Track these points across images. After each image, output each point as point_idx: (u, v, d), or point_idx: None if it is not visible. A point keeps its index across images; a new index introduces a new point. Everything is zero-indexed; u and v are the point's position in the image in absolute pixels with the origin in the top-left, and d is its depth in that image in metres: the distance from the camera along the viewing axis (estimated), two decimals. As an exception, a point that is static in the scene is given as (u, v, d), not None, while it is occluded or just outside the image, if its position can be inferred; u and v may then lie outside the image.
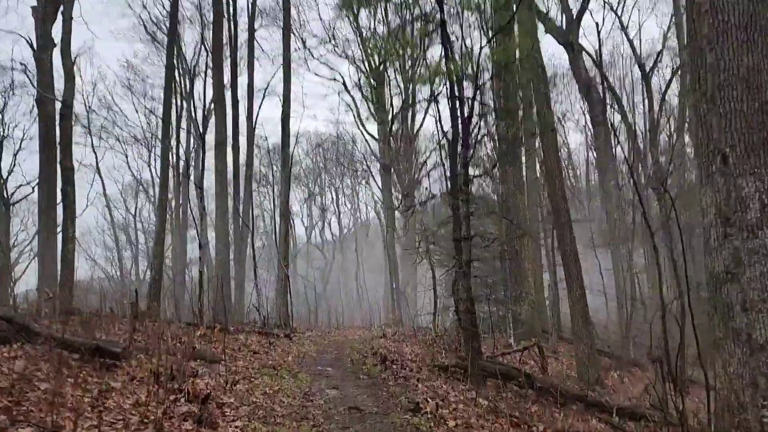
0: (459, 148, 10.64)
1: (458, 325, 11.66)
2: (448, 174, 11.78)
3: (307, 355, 11.95)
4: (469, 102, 10.46)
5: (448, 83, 10.42)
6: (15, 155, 33.62)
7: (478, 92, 10.19)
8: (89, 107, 34.66)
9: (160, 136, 36.39)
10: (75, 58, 19.45)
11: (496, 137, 15.59)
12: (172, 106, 33.33)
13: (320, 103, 53.99)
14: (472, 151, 10.84)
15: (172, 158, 34.47)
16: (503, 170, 15.46)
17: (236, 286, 23.31)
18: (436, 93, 10.98)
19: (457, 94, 10.22)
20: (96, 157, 34.37)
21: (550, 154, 12.90)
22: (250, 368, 9.16)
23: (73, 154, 19.58)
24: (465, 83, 10.77)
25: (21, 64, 21.07)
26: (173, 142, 34.74)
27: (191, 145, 32.82)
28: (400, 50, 24.40)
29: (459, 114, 10.33)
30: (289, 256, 19.03)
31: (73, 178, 19.42)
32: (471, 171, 11.72)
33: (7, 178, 33.93)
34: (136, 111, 37.27)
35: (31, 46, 20.63)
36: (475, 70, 9.85)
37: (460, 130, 10.18)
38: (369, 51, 26.69)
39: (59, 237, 26.85)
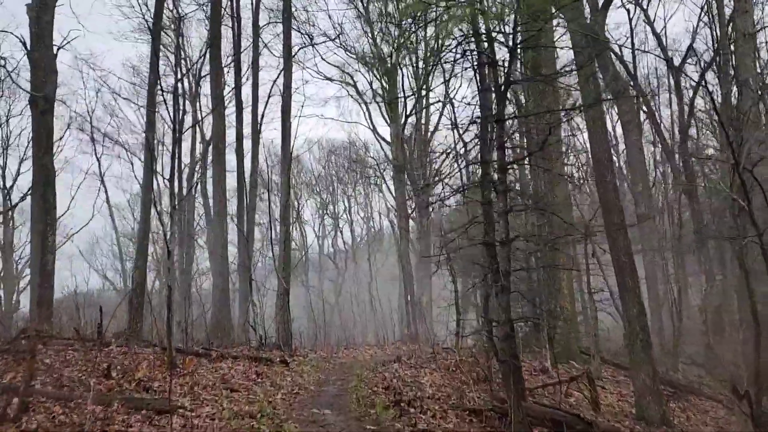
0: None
1: (490, 349, 9.05)
2: (475, 161, 9.24)
3: (303, 390, 9.37)
4: (503, 67, 7.91)
5: (475, 42, 7.88)
6: (21, 161, 31.76)
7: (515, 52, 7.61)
8: (91, 111, 32.58)
9: (166, 143, 34.29)
10: (57, 50, 17.16)
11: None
12: (179, 110, 31.42)
13: (330, 110, 51.71)
14: (504, 132, 8.26)
15: (178, 164, 32.43)
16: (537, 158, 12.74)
17: (242, 301, 20.87)
18: (456, 55, 8.40)
19: (487, 54, 7.66)
20: (99, 165, 32.26)
21: (599, 137, 10.27)
22: (218, 418, 6.60)
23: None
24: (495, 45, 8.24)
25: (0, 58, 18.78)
26: (164, 150, 32.94)
27: (197, 150, 30.66)
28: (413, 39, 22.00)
29: (490, 81, 7.78)
30: (292, 266, 16.50)
31: (54, 180, 17.16)
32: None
33: (12, 186, 32.10)
34: (142, 117, 35.13)
35: (24, 44, 18.53)
36: (515, 21, 7.30)
37: (492, 102, 7.63)
38: (379, 41, 24.27)
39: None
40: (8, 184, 31.06)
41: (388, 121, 29.43)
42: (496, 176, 7.93)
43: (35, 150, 17.29)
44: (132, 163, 34.68)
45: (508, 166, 7.73)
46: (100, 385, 6.92)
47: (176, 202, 9.22)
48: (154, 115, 10.36)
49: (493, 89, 7.69)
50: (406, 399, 8.58)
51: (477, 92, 8.71)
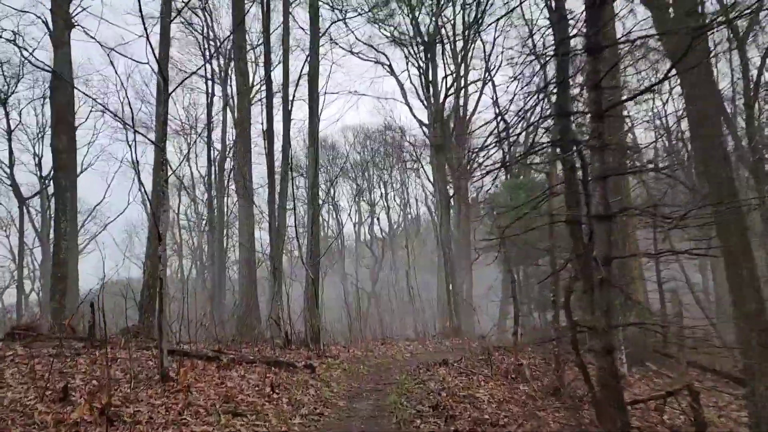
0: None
1: (578, 364, 6.76)
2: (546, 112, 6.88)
3: (329, 407, 7.28)
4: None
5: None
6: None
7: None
8: (122, 98, 31.14)
9: (199, 129, 32.77)
10: (72, 18, 15.39)
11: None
12: (206, 95, 29.71)
13: (364, 101, 49.30)
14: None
15: (210, 150, 30.82)
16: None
17: (274, 293, 19.00)
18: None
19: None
20: (132, 151, 30.92)
21: (704, 86, 7.78)
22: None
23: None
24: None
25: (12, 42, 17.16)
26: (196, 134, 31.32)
27: (228, 136, 28.98)
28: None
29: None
30: (322, 253, 14.39)
31: (69, 163, 15.53)
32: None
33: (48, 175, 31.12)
34: (174, 103, 33.59)
35: (46, 24, 16.96)
36: None
37: (591, 19, 5.29)
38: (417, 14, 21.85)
39: (78, 236, 23.20)
40: (44, 173, 29.98)
41: (425, 103, 27.08)
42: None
43: (53, 135, 15.76)
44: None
45: (607, 111, 5.42)
46: (48, 415, 4.95)
47: (167, 175, 7.19)
48: (166, 87, 8.37)
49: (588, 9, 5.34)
50: (460, 423, 6.41)
51: (549, 17, 6.35)
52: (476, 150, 23.59)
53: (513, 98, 8.11)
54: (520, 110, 6.73)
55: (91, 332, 8.69)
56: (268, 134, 20.43)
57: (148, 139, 7.99)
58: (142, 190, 32.55)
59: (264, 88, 20.99)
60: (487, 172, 11.84)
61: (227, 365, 8.43)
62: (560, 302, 11.28)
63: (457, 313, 19.48)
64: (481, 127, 22.29)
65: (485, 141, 25.80)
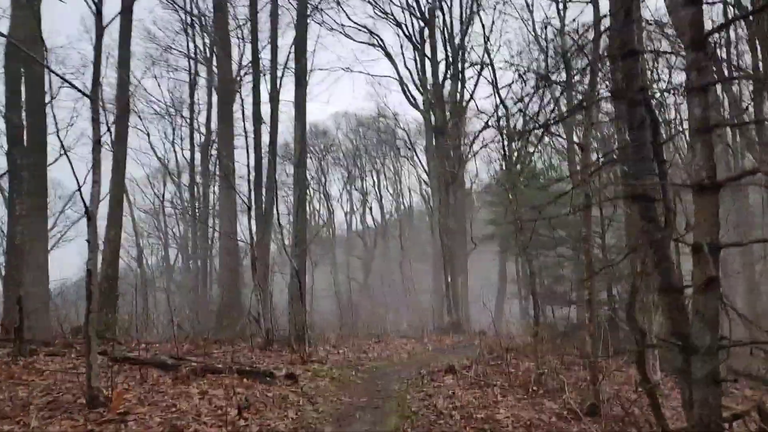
0: None
1: (644, 386, 5.09)
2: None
3: (310, 435, 5.55)
4: None
5: None
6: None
7: None
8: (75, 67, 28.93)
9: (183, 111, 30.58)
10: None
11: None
12: (189, 75, 27.66)
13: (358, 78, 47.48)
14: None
15: (193, 134, 28.84)
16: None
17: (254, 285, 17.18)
18: None
19: None
20: (111, 134, 28.63)
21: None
22: None
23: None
24: None
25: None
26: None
27: (213, 119, 27.01)
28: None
29: None
30: (308, 240, 12.61)
31: (34, 140, 13.60)
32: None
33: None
34: (158, 85, 31.41)
35: None
36: None
37: None
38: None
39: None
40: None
41: (420, 87, 25.27)
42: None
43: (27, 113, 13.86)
44: (148, 134, 31.07)
45: (710, 36, 3.69)
46: None
47: (100, 135, 5.36)
48: (100, 20, 6.51)
49: None
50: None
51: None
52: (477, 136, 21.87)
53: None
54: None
55: (17, 336, 6.89)
56: (255, 116, 18.56)
57: (82, 92, 6.12)
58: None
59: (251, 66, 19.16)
60: (528, 131, 10.08)
61: (186, 377, 6.67)
62: (597, 301, 9.64)
63: (456, 306, 17.81)
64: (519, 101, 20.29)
65: (487, 121, 23.97)
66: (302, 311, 10.39)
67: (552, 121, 7.14)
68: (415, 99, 25.71)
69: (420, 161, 37.33)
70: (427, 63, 23.76)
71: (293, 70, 12.02)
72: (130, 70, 13.97)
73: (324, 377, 8.43)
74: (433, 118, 19.18)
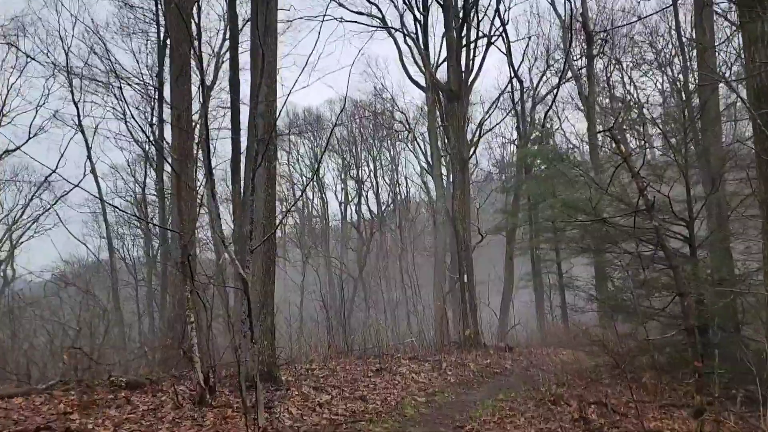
0: None
1: None
2: None
3: None
4: None
5: None
6: None
7: None
8: (67, 50, 24.37)
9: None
10: None
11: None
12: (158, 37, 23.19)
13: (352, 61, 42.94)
14: None
15: (162, 106, 24.39)
16: None
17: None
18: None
19: None
20: (78, 111, 24.23)
21: None
22: None
23: None
24: None
25: None
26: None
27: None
28: None
29: None
30: (278, 224, 8.34)
31: None
32: None
33: None
34: (136, 59, 26.69)
35: None
36: None
37: None
38: None
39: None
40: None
41: (421, 55, 21.04)
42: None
43: None
44: (124, 114, 26.48)
45: None
46: None
47: None
48: None
49: None
50: None
51: None
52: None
53: None
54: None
55: None
56: (232, 82, 14.18)
57: None
58: (89, 155, 26.12)
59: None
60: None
61: None
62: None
63: (474, 314, 13.64)
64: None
65: (499, 96, 19.86)
66: (265, 348, 6.16)
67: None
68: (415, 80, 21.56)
69: (419, 145, 33.21)
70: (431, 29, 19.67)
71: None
72: None
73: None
74: (445, 80, 14.86)
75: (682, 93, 10.18)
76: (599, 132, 18.05)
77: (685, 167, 8.25)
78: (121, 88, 22.17)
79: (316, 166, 35.77)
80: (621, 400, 6.76)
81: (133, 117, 22.73)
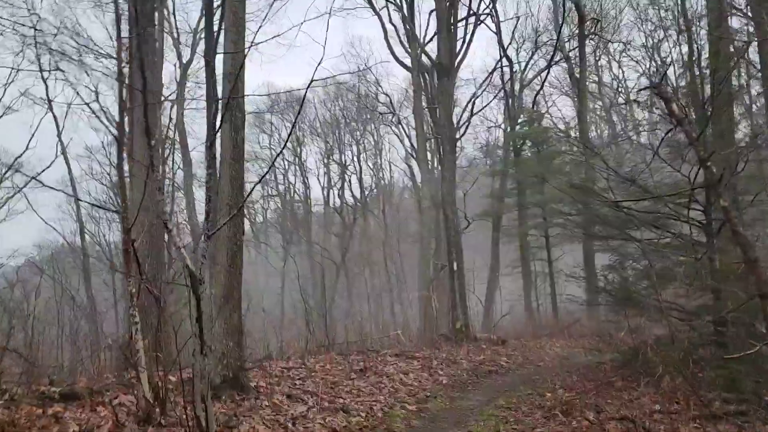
0: None
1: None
2: None
3: None
4: None
5: None
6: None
7: None
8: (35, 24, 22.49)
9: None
10: None
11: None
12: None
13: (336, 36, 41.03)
14: None
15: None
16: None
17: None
18: None
19: None
20: (47, 87, 22.43)
21: None
22: None
23: None
24: None
25: None
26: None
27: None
28: None
29: None
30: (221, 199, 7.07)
31: None
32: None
33: None
34: (111, 36, 24.79)
35: None
36: None
37: None
38: None
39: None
40: None
41: (408, 45, 19.78)
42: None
43: None
44: (96, 91, 24.59)
45: None
46: None
47: None
48: None
49: None
50: None
51: None
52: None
53: None
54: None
55: None
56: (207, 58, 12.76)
57: None
58: (59, 135, 24.33)
59: None
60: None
61: None
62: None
63: (464, 304, 12.65)
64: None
65: (489, 75, 18.80)
66: (240, 332, 5.05)
67: None
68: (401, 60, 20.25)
69: (404, 127, 32.00)
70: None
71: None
72: None
73: None
74: (435, 54, 13.69)
75: (698, 68, 9.34)
76: (642, 89, 16.86)
77: (704, 149, 7.26)
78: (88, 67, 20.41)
79: (288, 132, 34.14)
80: (643, 410, 5.78)
81: (97, 93, 20.89)
